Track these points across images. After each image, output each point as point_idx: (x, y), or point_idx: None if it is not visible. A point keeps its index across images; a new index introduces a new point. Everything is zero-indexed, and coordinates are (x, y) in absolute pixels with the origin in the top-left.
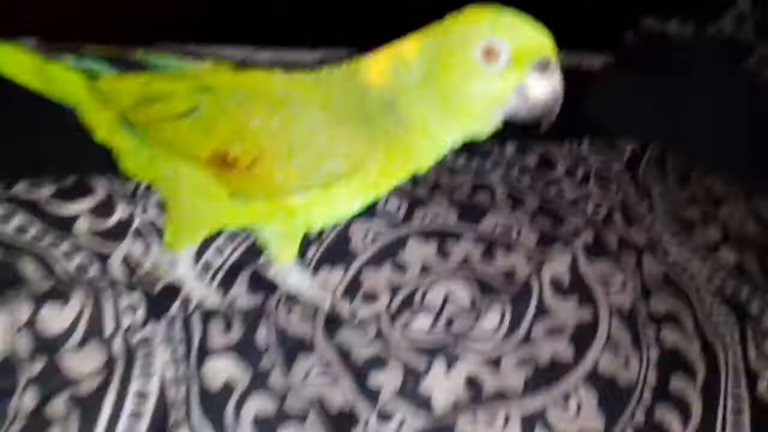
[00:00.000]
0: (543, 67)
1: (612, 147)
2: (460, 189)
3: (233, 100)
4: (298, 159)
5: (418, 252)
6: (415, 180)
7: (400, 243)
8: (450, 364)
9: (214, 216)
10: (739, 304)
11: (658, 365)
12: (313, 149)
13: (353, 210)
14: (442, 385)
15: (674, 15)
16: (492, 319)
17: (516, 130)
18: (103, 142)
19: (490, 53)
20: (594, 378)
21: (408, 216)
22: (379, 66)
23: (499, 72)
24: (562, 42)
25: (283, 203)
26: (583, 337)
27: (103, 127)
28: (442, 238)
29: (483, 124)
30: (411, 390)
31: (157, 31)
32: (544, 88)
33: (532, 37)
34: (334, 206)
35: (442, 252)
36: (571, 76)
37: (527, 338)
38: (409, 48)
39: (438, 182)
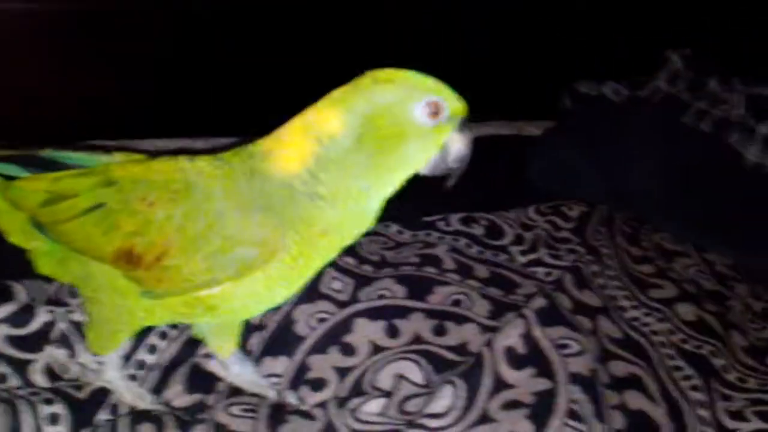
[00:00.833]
0: (462, 124)
1: (558, 211)
2: (407, 263)
3: (136, 193)
4: (205, 250)
5: (366, 332)
6: (360, 258)
7: (347, 324)
8: None
9: (132, 315)
10: (702, 360)
11: None
12: (219, 239)
13: (281, 298)
14: None
15: (608, 78)
16: (446, 397)
17: (461, 203)
18: (18, 245)
19: (435, 110)
20: None
21: (354, 295)
22: (291, 152)
23: (436, 128)
24: (502, 111)
25: (198, 297)
26: (542, 410)
27: (15, 229)
28: (391, 315)
29: (402, 182)
30: None
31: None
32: (463, 144)
33: (458, 96)
34: (256, 296)
35: (392, 330)
36: (513, 144)
37: (484, 416)
38: (331, 124)
39: (384, 258)
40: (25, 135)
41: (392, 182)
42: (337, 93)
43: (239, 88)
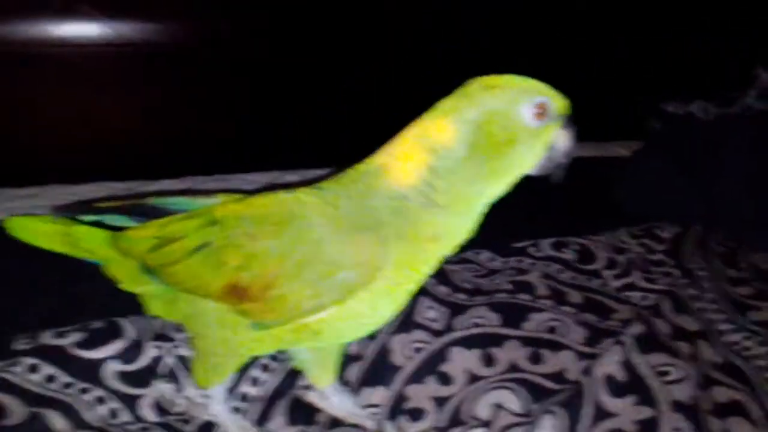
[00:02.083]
0: (567, 120)
1: (651, 234)
2: (500, 291)
3: (239, 229)
4: (308, 276)
5: (462, 361)
6: (453, 286)
7: (442, 353)
8: None
9: (240, 347)
10: None
11: None
12: (322, 264)
13: (385, 316)
14: None
15: (696, 98)
16: (547, 427)
17: (549, 227)
18: (129, 291)
19: (542, 111)
20: None
21: (449, 324)
22: (406, 165)
23: (544, 128)
24: (590, 134)
25: (305, 324)
26: None
27: (126, 276)
28: (486, 343)
29: (513, 184)
30: None
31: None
32: (568, 139)
33: (559, 95)
34: (360, 317)
35: (488, 359)
36: (599, 166)
37: None
38: (444, 134)
39: (477, 286)
40: (116, 174)
41: (505, 184)
42: (446, 102)
43: (318, 120)
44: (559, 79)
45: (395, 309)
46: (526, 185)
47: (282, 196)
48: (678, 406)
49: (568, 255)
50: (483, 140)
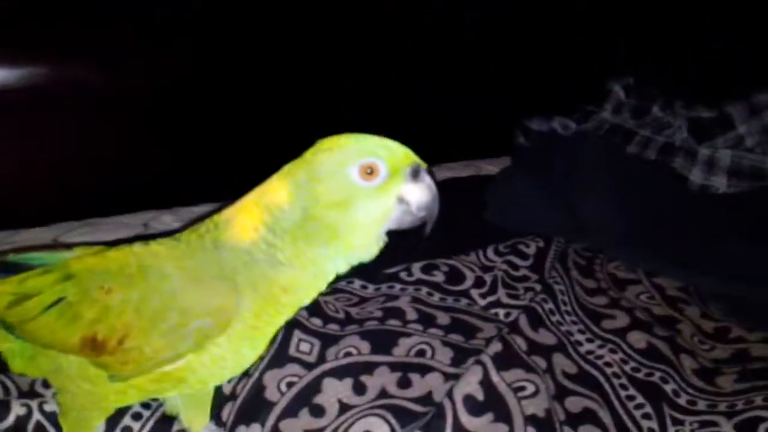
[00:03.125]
0: (415, 172)
1: (516, 250)
2: (371, 318)
3: (93, 282)
4: (162, 327)
5: (334, 391)
6: (325, 317)
7: (315, 385)
8: None
9: (103, 400)
10: (653, 387)
11: None
12: (175, 314)
13: (248, 360)
14: None
15: (557, 113)
16: None
17: (424, 250)
18: None
19: (370, 171)
20: None
21: (321, 355)
22: (246, 222)
23: (375, 188)
24: (461, 153)
25: (164, 373)
26: None
27: None
28: (357, 372)
29: (370, 243)
30: None
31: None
32: (422, 191)
33: (399, 150)
34: (222, 362)
35: (359, 387)
36: (472, 185)
37: None
38: (279, 195)
39: (348, 315)
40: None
41: (353, 244)
42: (287, 165)
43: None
44: (426, 100)
45: (258, 353)
46: None
47: (136, 248)
48: (531, 420)
49: (438, 277)
50: (316, 203)
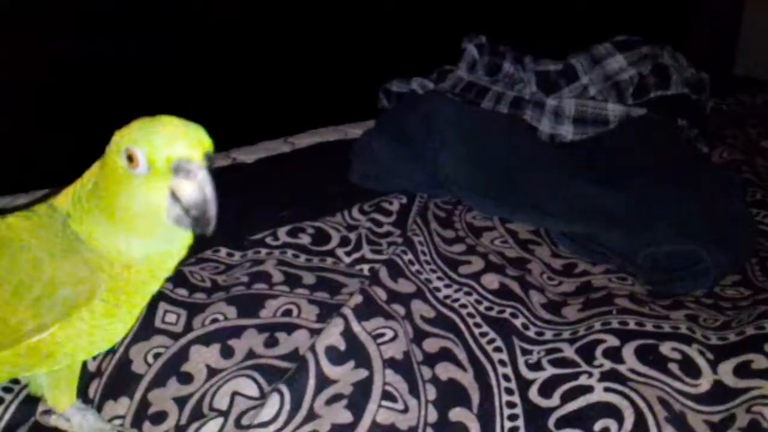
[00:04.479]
0: (183, 170)
1: (380, 208)
2: (238, 284)
3: None
4: (28, 297)
5: (201, 357)
6: (191, 287)
7: (182, 354)
8: None
9: None
10: (504, 323)
11: (436, 402)
12: (41, 284)
13: (117, 334)
14: None
15: (415, 75)
16: (274, 404)
17: (291, 215)
18: None
19: (131, 159)
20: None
21: (188, 325)
22: (64, 191)
23: (145, 177)
24: (332, 116)
25: (32, 346)
26: (360, 398)
27: None
28: (225, 337)
29: (156, 231)
30: None
31: None
32: (190, 190)
33: (166, 142)
34: (90, 335)
35: (226, 351)
36: (339, 149)
37: (310, 414)
38: (92, 167)
39: (215, 283)
40: None
41: (132, 228)
42: None
43: None
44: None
45: (127, 327)
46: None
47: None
48: (390, 363)
49: (304, 239)
50: (103, 179)
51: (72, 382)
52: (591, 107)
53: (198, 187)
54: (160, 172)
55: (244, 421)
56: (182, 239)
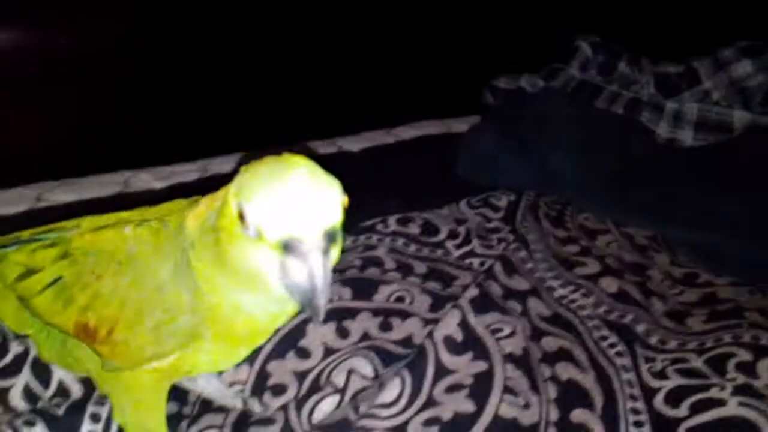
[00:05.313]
0: (293, 249)
1: (487, 203)
2: (351, 267)
3: (86, 266)
4: (149, 320)
5: (318, 335)
6: None
7: (300, 330)
8: None
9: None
10: (625, 328)
11: (558, 401)
12: (161, 311)
13: (241, 356)
14: None
15: (524, 71)
16: (395, 387)
17: (397, 204)
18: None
19: (240, 216)
20: (496, 426)
21: None
22: (198, 209)
23: (254, 240)
24: (434, 110)
25: (153, 369)
26: (481, 389)
27: (9, 313)
28: (340, 317)
29: (261, 294)
30: None
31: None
32: (298, 274)
33: (278, 214)
34: (211, 358)
35: (341, 331)
36: (443, 142)
37: (429, 401)
38: (222, 192)
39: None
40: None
41: (239, 281)
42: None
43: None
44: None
45: (246, 352)
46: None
47: (127, 231)
48: (510, 358)
49: (413, 229)
50: (221, 217)
51: None
52: (715, 112)
53: (308, 274)
54: (270, 243)
55: (360, 399)
56: (294, 305)
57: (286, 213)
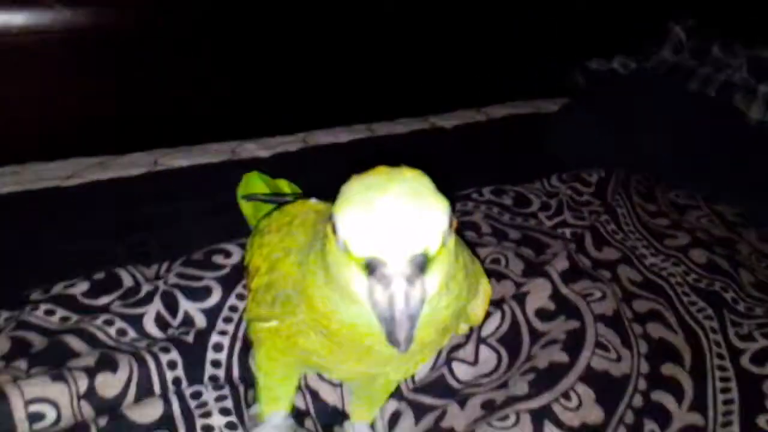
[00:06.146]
0: (375, 269)
1: (579, 178)
2: None
3: (272, 219)
4: (266, 280)
5: None
6: None
7: None
8: (462, 402)
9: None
10: (714, 295)
11: (648, 356)
12: (283, 273)
13: (355, 372)
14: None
15: (617, 53)
16: (490, 360)
17: (488, 178)
18: None
19: (333, 229)
20: (589, 376)
21: None
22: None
23: (344, 253)
24: (521, 92)
25: (276, 334)
26: (574, 344)
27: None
28: None
29: (354, 303)
30: None
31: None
32: (380, 300)
33: (363, 231)
34: (325, 357)
35: None
36: (531, 121)
37: (528, 358)
38: None
39: None
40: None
41: (337, 291)
42: None
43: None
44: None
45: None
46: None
47: (312, 201)
48: (601, 318)
49: (506, 200)
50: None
51: (372, 402)
52: None
53: (388, 301)
54: (356, 260)
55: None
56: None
57: (372, 231)
